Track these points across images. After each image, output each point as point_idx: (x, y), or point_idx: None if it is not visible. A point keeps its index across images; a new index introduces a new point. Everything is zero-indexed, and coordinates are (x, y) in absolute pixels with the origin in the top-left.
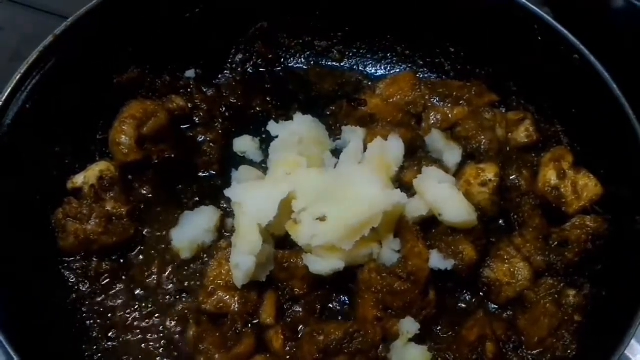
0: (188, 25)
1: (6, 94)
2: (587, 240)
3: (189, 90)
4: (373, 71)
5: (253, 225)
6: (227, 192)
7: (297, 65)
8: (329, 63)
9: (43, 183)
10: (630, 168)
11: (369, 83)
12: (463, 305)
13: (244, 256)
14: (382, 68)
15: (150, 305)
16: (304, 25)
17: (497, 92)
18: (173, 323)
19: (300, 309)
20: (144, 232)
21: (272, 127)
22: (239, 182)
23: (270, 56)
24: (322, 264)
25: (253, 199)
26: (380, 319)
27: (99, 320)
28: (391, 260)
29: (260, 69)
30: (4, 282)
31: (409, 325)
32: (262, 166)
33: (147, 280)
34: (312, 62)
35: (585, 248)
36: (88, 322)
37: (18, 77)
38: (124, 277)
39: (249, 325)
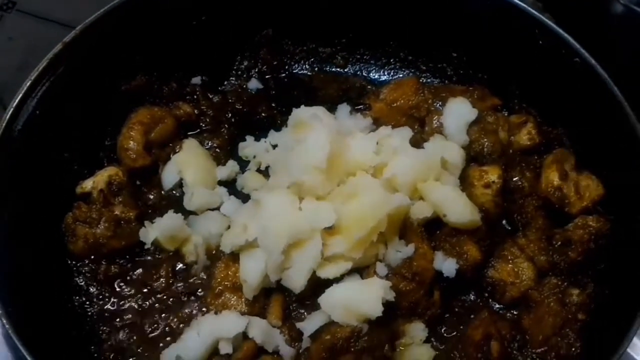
0: (194, 33)
1: (16, 101)
2: (589, 239)
3: (195, 96)
4: (376, 76)
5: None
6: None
7: (302, 71)
8: (333, 69)
9: (52, 188)
10: (631, 168)
11: (373, 88)
12: (468, 305)
13: (252, 272)
14: (386, 73)
15: (158, 308)
16: (308, 32)
17: (499, 95)
18: (181, 325)
19: (306, 310)
20: None
21: (273, 136)
22: (245, 188)
23: (275, 63)
24: (330, 270)
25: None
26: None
27: (108, 323)
28: (396, 261)
29: (265, 76)
30: (14, 285)
31: (418, 331)
32: (268, 171)
33: (155, 284)
34: (316, 68)
35: (588, 247)
36: (97, 324)
37: (28, 84)
38: (132, 281)
39: None
